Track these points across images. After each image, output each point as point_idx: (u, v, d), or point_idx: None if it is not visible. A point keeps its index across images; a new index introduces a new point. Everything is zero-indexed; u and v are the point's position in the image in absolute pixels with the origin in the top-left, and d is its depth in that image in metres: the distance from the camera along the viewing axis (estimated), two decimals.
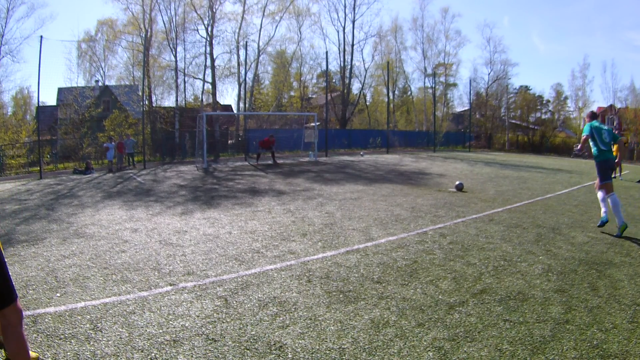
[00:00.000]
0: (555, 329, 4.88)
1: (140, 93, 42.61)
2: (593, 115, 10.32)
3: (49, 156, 37.72)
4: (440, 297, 5.86)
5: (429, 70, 61.93)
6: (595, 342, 4.58)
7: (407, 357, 4.34)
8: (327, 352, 4.42)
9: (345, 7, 57.67)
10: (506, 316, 5.22)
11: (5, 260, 3.65)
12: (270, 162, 30.01)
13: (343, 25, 58.07)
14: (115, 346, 4.53)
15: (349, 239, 8.96)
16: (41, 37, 26.27)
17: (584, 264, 7.24)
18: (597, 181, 10.21)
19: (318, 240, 8.87)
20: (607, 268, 7.06)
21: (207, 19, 43.33)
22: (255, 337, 4.72)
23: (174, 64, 43.67)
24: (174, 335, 4.76)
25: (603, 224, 9.94)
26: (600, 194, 10.14)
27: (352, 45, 58.18)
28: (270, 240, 8.91)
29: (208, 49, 43.87)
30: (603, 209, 10.05)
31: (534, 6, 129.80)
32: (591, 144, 10.00)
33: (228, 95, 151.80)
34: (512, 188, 16.65)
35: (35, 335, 4.68)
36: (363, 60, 75.66)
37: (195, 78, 45.87)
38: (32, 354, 4.22)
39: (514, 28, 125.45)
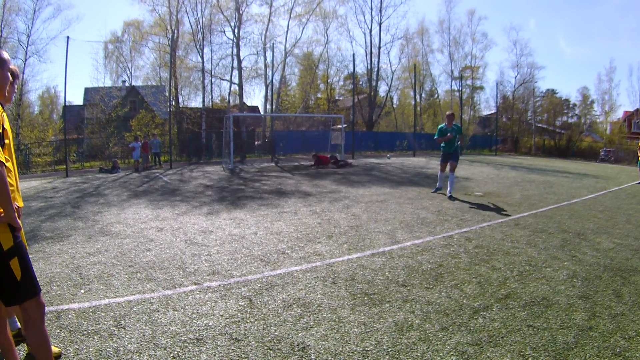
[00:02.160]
0: (578, 335, 4.79)
1: (167, 94, 42.98)
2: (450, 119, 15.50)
3: (75, 155, 38.12)
4: (464, 301, 5.79)
5: (456, 73, 61.63)
6: (618, 350, 4.49)
7: None
8: (350, 354, 4.38)
9: (371, 9, 57.59)
10: (530, 322, 5.14)
11: (29, 255, 3.65)
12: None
13: (370, 27, 58.02)
14: (138, 343, 4.53)
15: (375, 241, 8.91)
16: (67, 37, 26.59)
17: (608, 271, 7.11)
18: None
19: (344, 242, 8.83)
20: (631, 275, 6.92)
21: (234, 20, 43.47)
22: (279, 338, 4.69)
23: (201, 65, 43.92)
24: (197, 334, 4.75)
25: (437, 190, 15.83)
26: (440, 173, 15.96)
27: (379, 47, 58.14)
28: (295, 241, 8.90)
29: (235, 50, 44.00)
30: (438, 183, 15.92)
31: (559, 8, 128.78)
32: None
33: (255, 96, 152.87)
34: (538, 192, 16.46)
35: (58, 330, 4.69)
36: (390, 63, 75.16)
37: (222, 79, 46.08)
38: (55, 349, 4.24)
39: (539, 31, 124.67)
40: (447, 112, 15.86)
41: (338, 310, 5.45)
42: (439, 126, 15.61)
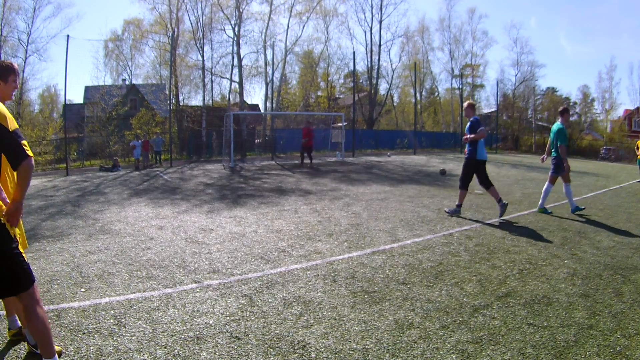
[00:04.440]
0: (578, 334, 4.79)
1: (167, 92, 42.97)
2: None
3: (75, 153, 38.19)
4: (465, 299, 5.79)
5: (456, 71, 61.79)
6: (618, 348, 4.48)
7: (430, 359, 4.29)
8: (351, 352, 4.38)
9: (372, 7, 57.68)
10: (530, 320, 5.14)
11: (30, 254, 3.80)
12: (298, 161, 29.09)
13: (370, 25, 58.13)
14: (138, 342, 4.52)
15: (375, 239, 8.91)
16: (68, 36, 26.62)
17: (609, 269, 7.11)
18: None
19: (344, 240, 8.83)
20: (632, 273, 6.92)
21: (234, 18, 43.50)
22: (279, 336, 4.69)
23: (201, 63, 43.96)
24: (197, 332, 4.74)
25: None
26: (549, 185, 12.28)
27: (379, 45, 58.22)
28: (296, 239, 8.90)
29: (235, 48, 44.02)
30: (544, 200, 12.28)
31: (561, 7, 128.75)
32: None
33: (255, 94, 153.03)
34: (539, 191, 16.35)
35: (58, 329, 4.69)
36: (390, 61, 74.90)
37: (223, 77, 46.12)
38: (55, 347, 4.24)
39: (540, 29, 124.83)
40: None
41: (338, 308, 5.45)
42: (563, 126, 11.86)
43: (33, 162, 3.84)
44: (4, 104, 4.11)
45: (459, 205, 11.63)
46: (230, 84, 45.76)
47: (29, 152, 3.82)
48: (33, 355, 4.27)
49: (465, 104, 12.12)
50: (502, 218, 11.21)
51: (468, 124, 11.59)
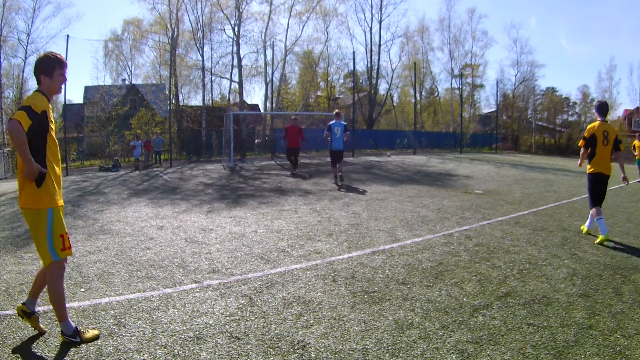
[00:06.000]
0: (578, 333, 4.79)
1: (167, 92, 42.96)
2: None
3: (75, 153, 38.19)
4: (464, 299, 5.79)
5: (456, 71, 61.64)
6: (618, 348, 4.48)
7: (430, 359, 4.29)
8: (351, 352, 4.38)
9: (372, 7, 57.64)
10: (530, 320, 5.13)
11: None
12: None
13: (370, 25, 58.10)
14: (138, 342, 4.52)
15: (375, 239, 8.90)
16: (67, 36, 26.64)
17: (609, 269, 7.11)
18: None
19: (344, 240, 8.82)
20: (632, 273, 6.92)
21: (234, 18, 43.54)
22: (279, 336, 4.69)
23: (201, 63, 44.02)
24: (197, 332, 4.74)
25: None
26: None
27: (379, 45, 58.21)
28: (296, 239, 8.89)
29: (235, 48, 44.07)
30: None
31: (561, 7, 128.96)
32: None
33: (255, 94, 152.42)
34: (539, 191, 16.45)
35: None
36: (390, 61, 74.78)
37: (222, 77, 46.16)
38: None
39: (540, 29, 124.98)
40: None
41: (338, 308, 5.45)
42: None
43: (12, 125, 4.07)
44: (51, 98, 4.42)
45: (335, 177, 17.98)
46: (230, 84, 45.87)
47: (15, 117, 4.11)
48: (33, 354, 4.27)
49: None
50: (340, 183, 17.48)
51: None
